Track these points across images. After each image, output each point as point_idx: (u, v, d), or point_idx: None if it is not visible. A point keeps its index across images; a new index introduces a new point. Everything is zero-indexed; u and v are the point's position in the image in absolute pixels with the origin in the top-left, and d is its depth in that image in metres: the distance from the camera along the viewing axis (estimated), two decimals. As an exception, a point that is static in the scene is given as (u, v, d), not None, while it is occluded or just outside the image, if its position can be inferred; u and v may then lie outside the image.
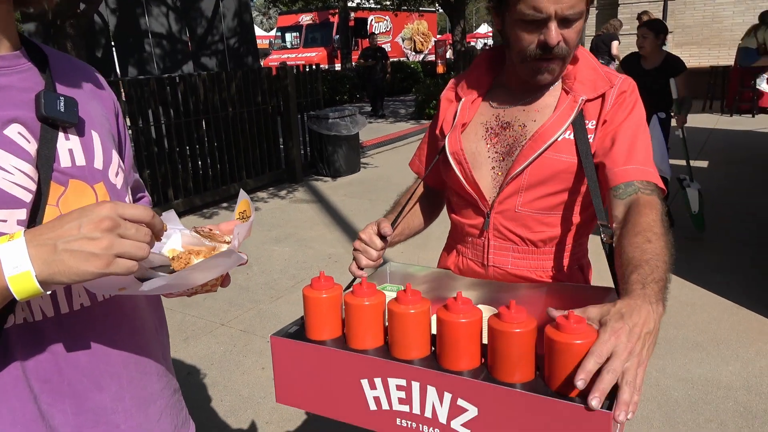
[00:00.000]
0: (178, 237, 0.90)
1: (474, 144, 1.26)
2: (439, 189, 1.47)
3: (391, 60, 13.27)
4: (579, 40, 1.14)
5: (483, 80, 1.31)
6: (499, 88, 1.29)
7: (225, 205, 6.06)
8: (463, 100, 1.30)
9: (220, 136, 6.12)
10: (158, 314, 1.01)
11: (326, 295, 0.96)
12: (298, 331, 1.01)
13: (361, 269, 1.21)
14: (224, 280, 0.91)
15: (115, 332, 0.87)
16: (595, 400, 0.71)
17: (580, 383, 0.72)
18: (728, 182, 5.83)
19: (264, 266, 4.32)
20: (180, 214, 5.69)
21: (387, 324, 0.93)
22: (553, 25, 1.08)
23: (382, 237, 1.22)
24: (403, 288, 1.15)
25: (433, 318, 0.95)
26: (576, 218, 1.24)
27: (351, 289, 0.98)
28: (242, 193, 0.96)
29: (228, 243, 0.90)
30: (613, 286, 1.06)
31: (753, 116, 9.61)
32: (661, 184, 1.11)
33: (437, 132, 1.37)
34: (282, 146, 6.95)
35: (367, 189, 6.49)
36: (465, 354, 0.85)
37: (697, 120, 9.47)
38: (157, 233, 0.72)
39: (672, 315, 3.19)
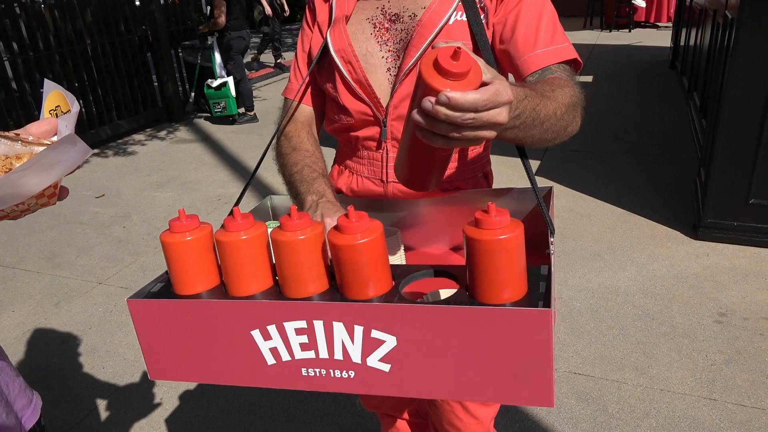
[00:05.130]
0: None
1: (363, 45, 1.04)
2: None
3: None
4: None
5: None
6: None
7: (96, 151, 5.43)
8: None
9: (80, 73, 5.40)
10: None
11: (191, 237, 0.75)
12: (164, 288, 0.80)
13: None
14: (62, 192, 0.71)
15: None
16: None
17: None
18: (612, 95, 6.01)
19: (144, 215, 3.91)
20: (42, 165, 5.04)
21: (274, 260, 0.75)
22: None
23: None
24: None
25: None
26: None
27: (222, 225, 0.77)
28: (48, 83, 0.73)
29: (48, 146, 0.68)
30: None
31: (629, 31, 9.99)
32: (577, 56, 0.97)
33: (310, 43, 1.13)
34: (156, 82, 6.29)
35: (257, 124, 6.07)
36: (371, 278, 0.69)
37: (579, 36, 9.71)
38: None
39: (569, 227, 3.22)
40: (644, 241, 3.05)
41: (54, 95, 0.73)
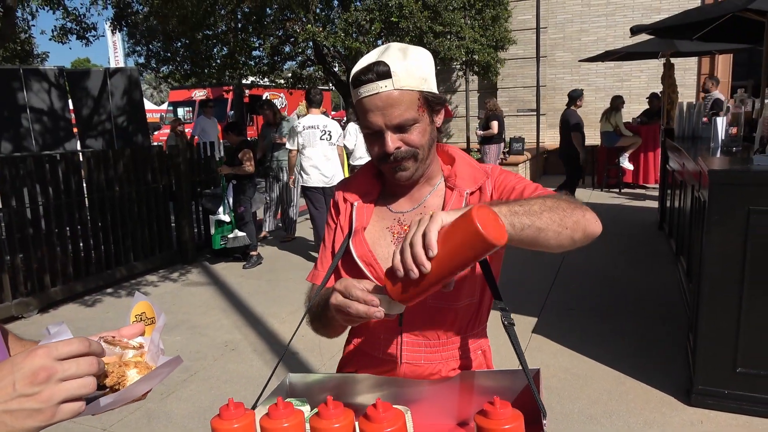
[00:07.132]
0: None
1: (385, 249, 1.29)
2: None
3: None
4: (429, 136, 1.24)
5: (372, 183, 1.37)
6: (390, 192, 1.36)
7: (110, 291, 5.64)
8: (356, 204, 1.35)
9: (105, 217, 5.78)
10: None
11: (238, 425, 0.90)
12: None
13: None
14: None
15: None
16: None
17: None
18: (605, 254, 6.31)
19: (153, 358, 4.00)
20: (58, 303, 5.23)
21: None
22: (387, 135, 1.20)
23: None
24: (305, 401, 1.12)
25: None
26: (481, 304, 1.30)
27: (266, 411, 0.93)
28: (138, 295, 0.93)
29: (135, 348, 0.86)
30: (518, 368, 1.12)
31: (620, 191, 10.62)
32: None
33: (333, 239, 1.39)
34: (174, 225, 6.68)
35: (266, 269, 6.34)
36: None
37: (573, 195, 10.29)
38: (98, 355, 0.72)
39: (566, 388, 3.32)
40: (640, 405, 3.13)
41: (141, 304, 0.93)
